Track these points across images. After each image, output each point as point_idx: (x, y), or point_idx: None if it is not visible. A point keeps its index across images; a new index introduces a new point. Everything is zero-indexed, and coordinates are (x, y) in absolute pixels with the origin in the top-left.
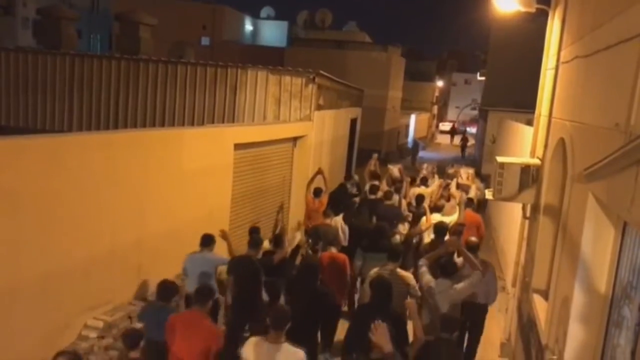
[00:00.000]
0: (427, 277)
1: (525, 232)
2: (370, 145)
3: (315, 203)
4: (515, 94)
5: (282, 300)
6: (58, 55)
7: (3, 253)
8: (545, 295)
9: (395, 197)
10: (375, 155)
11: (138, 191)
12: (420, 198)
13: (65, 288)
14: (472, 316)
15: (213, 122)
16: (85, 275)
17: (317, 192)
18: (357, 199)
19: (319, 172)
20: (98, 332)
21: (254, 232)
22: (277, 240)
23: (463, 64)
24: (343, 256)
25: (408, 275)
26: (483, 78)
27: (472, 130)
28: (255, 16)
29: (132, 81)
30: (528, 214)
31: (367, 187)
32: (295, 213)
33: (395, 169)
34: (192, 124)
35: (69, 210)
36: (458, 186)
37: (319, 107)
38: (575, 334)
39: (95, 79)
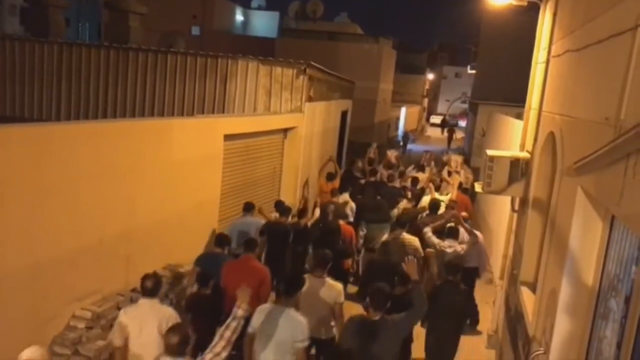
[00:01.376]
0: (435, 239)
1: (514, 225)
2: (361, 137)
3: (328, 185)
4: (506, 88)
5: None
6: (46, 43)
7: None
8: (532, 287)
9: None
10: (374, 145)
11: (127, 182)
12: (415, 180)
13: (53, 278)
14: (467, 277)
15: (203, 113)
16: (73, 266)
17: (331, 176)
18: (362, 181)
19: (330, 159)
20: (86, 322)
21: (280, 203)
22: (302, 212)
23: (454, 57)
24: (350, 228)
25: (413, 238)
26: (474, 71)
27: (462, 123)
28: (246, 6)
29: (121, 70)
30: (517, 207)
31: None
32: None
33: (392, 156)
34: (182, 114)
35: (57, 200)
36: (449, 173)
37: (310, 99)
38: (562, 326)
39: (84, 68)
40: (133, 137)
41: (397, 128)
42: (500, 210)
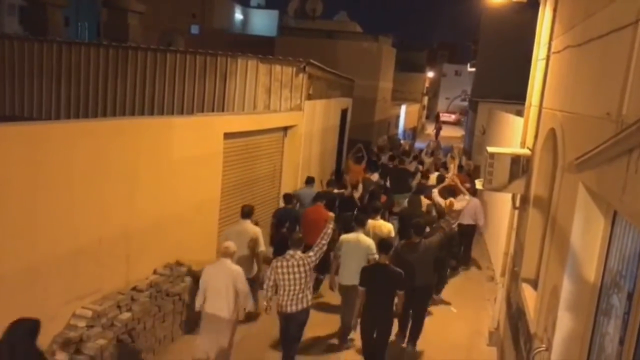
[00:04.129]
0: (440, 199)
1: (515, 222)
2: (361, 135)
3: (357, 167)
4: (506, 85)
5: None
6: (45, 42)
7: None
8: (534, 284)
9: (413, 164)
10: (385, 136)
11: (126, 180)
12: (420, 162)
13: (53, 277)
14: (462, 232)
15: (203, 111)
16: (73, 265)
17: (359, 159)
18: (390, 164)
19: (359, 146)
20: (87, 321)
21: (331, 180)
22: (344, 185)
23: (453, 55)
24: (384, 197)
25: (427, 201)
26: (473, 69)
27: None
28: (246, 5)
29: (120, 69)
30: (518, 204)
31: (387, 156)
32: None
33: (406, 145)
34: (182, 113)
35: (56, 200)
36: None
37: (310, 97)
38: (564, 322)
39: (83, 67)
40: (132, 135)
41: (397, 126)
42: (501, 208)
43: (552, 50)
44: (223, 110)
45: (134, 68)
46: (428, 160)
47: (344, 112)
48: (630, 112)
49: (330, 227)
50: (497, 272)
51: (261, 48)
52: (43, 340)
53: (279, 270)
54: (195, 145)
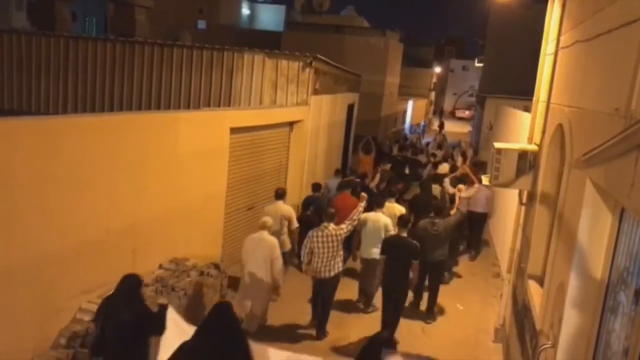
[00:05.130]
0: (450, 188)
1: (521, 218)
2: (368, 131)
3: (367, 158)
4: (513, 81)
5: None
6: (52, 37)
7: None
8: (540, 281)
9: (421, 156)
10: (394, 129)
11: (133, 175)
12: (433, 155)
13: (59, 271)
14: (474, 219)
15: (209, 106)
16: (80, 258)
17: (369, 150)
18: (399, 157)
19: (368, 139)
20: (92, 315)
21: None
22: (364, 176)
23: (461, 51)
24: (400, 185)
25: (437, 188)
26: (481, 65)
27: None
28: (253, 0)
29: (127, 64)
30: (524, 200)
31: (396, 148)
32: (292, 197)
33: (414, 137)
34: (188, 108)
35: (64, 194)
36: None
37: (316, 92)
38: (571, 319)
39: (90, 62)
40: (139, 130)
41: (404, 122)
42: (508, 203)
43: (561, 45)
44: (229, 105)
45: (141, 63)
46: (439, 152)
47: (350, 107)
48: (639, 107)
49: (362, 206)
50: (503, 269)
51: (268, 43)
52: (49, 334)
53: (314, 239)
54: (202, 139)
